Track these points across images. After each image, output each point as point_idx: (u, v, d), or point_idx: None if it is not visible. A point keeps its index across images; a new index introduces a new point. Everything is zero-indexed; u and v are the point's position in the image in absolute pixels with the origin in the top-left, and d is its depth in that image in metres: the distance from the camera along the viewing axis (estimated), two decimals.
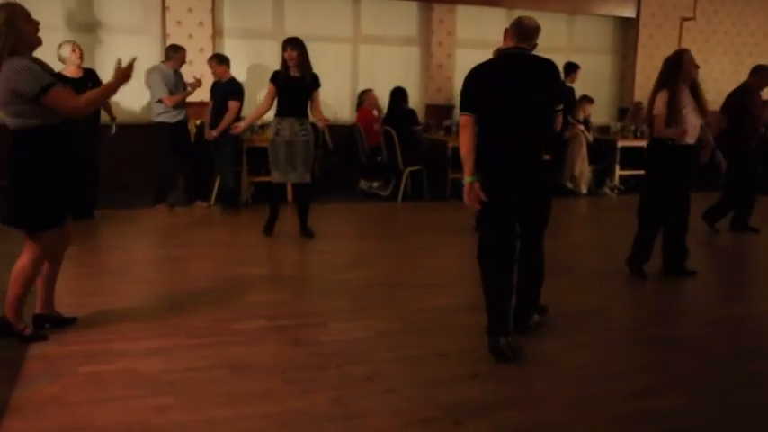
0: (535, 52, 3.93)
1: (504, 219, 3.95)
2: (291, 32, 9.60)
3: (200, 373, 3.47)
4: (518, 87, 3.81)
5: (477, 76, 3.89)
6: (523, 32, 3.86)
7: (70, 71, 6.86)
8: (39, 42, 3.62)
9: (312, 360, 3.70)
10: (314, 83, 6.43)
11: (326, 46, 10.15)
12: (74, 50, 6.87)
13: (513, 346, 3.79)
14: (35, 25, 3.57)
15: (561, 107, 4.00)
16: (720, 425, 3.16)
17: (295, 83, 6.33)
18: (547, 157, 4.05)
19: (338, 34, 10.26)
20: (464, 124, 3.86)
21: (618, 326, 4.46)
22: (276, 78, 6.39)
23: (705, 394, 3.47)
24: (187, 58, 8.33)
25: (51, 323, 3.94)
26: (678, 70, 5.33)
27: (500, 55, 3.98)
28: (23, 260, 3.71)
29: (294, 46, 6.31)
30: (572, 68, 9.68)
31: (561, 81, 4.09)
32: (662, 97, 5.35)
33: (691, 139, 5.36)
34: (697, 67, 5.43)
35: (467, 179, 3.86)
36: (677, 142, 5.33)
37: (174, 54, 7.92)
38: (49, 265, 3.90)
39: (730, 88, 7.58)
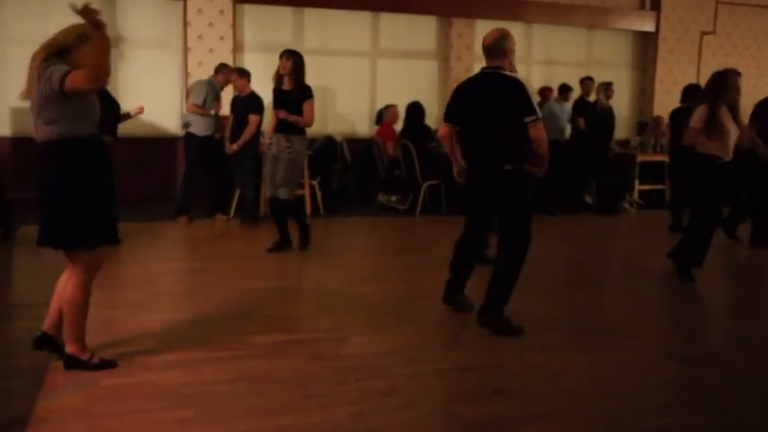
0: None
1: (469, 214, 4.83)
2: (311, 46, 9.74)
3: (220, 387, 3.48)
4: (480, 104, 4.37)
5: (457, 91, 4.58)
6: (485, 52, 4.42)
7: None
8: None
9: (331, 374, 3.70)
10: (302, 94, 6.24)
11: (345, 60, 10.23)
12: None
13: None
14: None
15: (533, 119, 4.22)
16: None
17: (285, 97, 6.27)
18: (509, 167, 4.29)
19: (357, 48, 10.32)
20: (442, 133, 4.72)
21: (639, 342, 4.41)
22: (273, 95, 6.41)
23: (725, 412, 3.42)
24: (208, 73, 8.44)
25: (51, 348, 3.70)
26: (719, 90, 5.53)
27: (478, 73, 4.52)
28: (71, 287, 3.54)
29: (290, 55, 6.21)
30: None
31: (524, 96, 4.26)
32: (700, 112, 5.53)
33: (727, 157, 5.59)
34: (739, 90, 5.60)
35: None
36: (722, 159, 5.54)
37: (222, 70, 8.16)
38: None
39: (750, 102, 7.56)
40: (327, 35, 10.09)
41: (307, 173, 8.26)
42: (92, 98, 3.52)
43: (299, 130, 6.32)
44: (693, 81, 11.35)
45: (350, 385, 3.57)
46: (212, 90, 7.98)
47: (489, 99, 4.32)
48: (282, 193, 6.40)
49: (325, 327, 4.52)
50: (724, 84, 5.54)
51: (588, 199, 9.98)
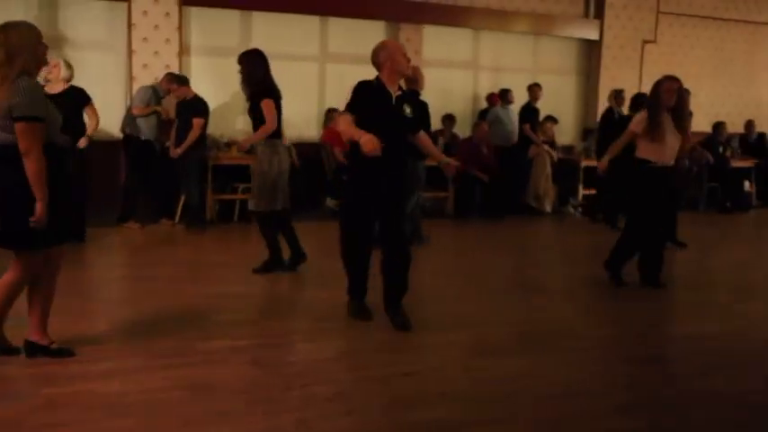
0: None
1: None
2: None
3: (158, 395, 3.41)
4: None
5: None
6: None
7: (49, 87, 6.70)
8: (45, 63, 3.74)
9: (275, 381, 3.66)
10: (255, 97, 5.78)
11: (294, 64, 10.15)
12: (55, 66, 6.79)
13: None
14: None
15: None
16: None
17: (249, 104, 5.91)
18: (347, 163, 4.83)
19: (305, 53, 10.27)
20: None
21: (585, 345, 4.48)
22: None
23: (667, 413, 3.50)
24: (153, 76, 8.33)
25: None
26: (654, 97, 5.72)
27: None
28: (6, 278, 3.64)
29: (238, 61, 5.88)
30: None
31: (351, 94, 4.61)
32: (639, 116, 5.79)
33: (669, 161, 5.74)
34: (672, 93, 5.66)
35: None
36: (655, 164, 5.63)
37: (167, 78, 8.12)
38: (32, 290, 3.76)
39: (690, 108, 7.78)
40: (275, 39, 9.98)
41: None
42: (53, 114, 3.60)
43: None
44: (636, 88, 11.62)
45: (294, 391, 3.54)
46: (155, 96, 7.89)
47: None
48: (250, 204, 6.08)
49: (270, 333, 4.48)
50: (657, 89, 5.72)
51: (532, 202, 10.11)
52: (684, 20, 12.69)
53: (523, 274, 6.50)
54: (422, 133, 4.85)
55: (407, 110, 4.66)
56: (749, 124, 12.25)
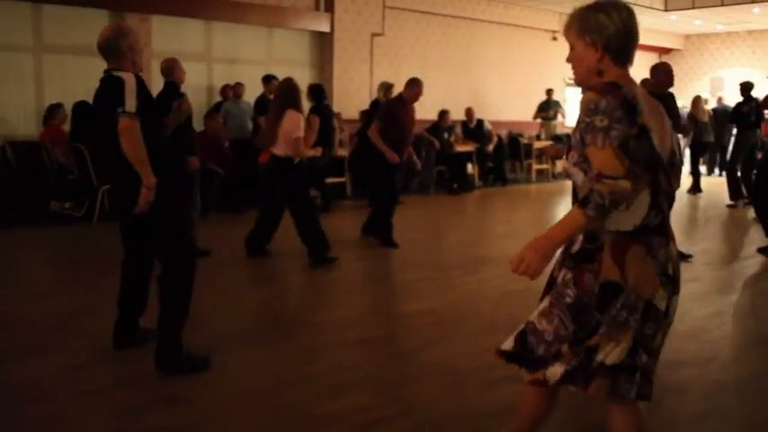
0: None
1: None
2: None
3: None
4: (98, 111, 3.87)
5: None
6: (100, 52, 3.87)
7: None
8: None
9: None
10: None
11: (4, 55, 9.25)
12: None
13: None
14: None
15: (120, 111, 3.63)
16: (396, 416, 3.38)
17: None
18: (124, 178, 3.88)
19: (16, 42, 9.36)
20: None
21: (313, 330, 4.61)
22: None
23: (384, 389, 3.71)
24: None
25: None
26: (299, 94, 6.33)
27: None
28: None
29: None
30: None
31: (119, 89, 3.67)
32: (297, 118, 6.22)
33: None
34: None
35: None
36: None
37: None
38: None
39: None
40: None
41: None
42: None
43: None
44: (367, 79, 12.25)
45: (2, 419, 3.24)
46: None
47: (100, 105, 3.83)
48: None
49: None
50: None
51: None
52: (408, 14, 13.52)
53: (251, 266, 6.51)
54: None
55: None
56: (469, 111, 13.36)
